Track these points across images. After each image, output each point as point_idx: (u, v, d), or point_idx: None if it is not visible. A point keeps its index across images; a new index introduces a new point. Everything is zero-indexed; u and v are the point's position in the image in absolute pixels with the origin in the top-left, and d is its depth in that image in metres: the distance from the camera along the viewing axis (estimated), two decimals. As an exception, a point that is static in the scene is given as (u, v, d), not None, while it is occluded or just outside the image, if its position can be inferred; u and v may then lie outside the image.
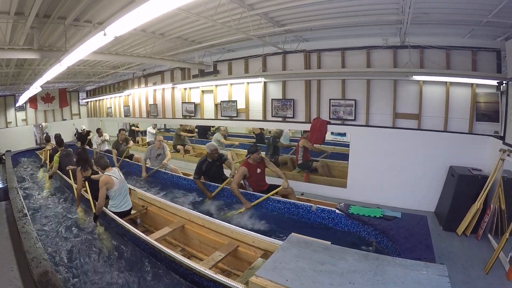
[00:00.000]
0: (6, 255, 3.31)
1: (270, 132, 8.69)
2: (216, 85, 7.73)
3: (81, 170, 4.49)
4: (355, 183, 5.54)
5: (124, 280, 2.89)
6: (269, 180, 4.81)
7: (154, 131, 10.29)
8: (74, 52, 4.30)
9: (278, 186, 4.35)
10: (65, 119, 14.87)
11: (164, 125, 12.58)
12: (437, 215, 4.67)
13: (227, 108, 7.48)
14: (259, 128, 8.47)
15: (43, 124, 13.90)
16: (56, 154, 6.30)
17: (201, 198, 4.90)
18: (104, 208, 3.89)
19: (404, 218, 3.34)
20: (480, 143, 4.57)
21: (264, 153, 6.35)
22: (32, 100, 12.97)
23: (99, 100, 14.07)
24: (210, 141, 7.20)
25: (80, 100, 15.55)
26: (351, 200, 4.90)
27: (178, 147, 8.91)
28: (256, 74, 6.71)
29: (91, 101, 15.14)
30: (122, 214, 3.89)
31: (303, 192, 4.76)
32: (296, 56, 6.35)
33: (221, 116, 7.67)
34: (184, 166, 7.55)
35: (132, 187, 4.72)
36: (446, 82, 4.91)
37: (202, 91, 8.15)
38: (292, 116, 6.41)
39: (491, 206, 3.83)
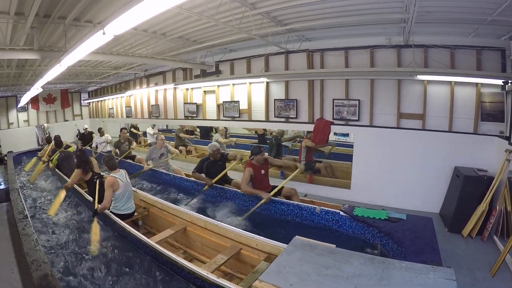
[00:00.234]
0: (7, 257, 3.27)
1: (271, 134, 8.63)
2: (218, 86, 7.71)
3: (82, 172, 4.48)
4: (359, 184, 5.48)
5: (124, 283, 2.86)
6: (272, 181, 4.74)
7: (153, 132, 10.24)
8: (73, 52, 4.27)
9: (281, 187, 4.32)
10: (67, 120, 14.85)
11: (167, 125, 12.55)
12: (442, 217, 4.61)
13: (229, 109, 7.45)
14: (263, 129, 8.43)
15: (45, 125, 13.87)
16: (55, 155, 6.30)
17: (203, 199, 4.85)
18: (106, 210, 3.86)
19: (409, 220, 3.30)
20: (485, 143, 4.51)
21: (267, 154, 6.30)
22: (34, 101, 13.02)
23: (101, 100, 14.07)
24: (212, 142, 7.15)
25: (82, 101, 15.51)
26: (355, 202, 4.86)
27: (180, 148, 8.86)
28: (258, 74, 6.68)
29: (93, 102, 15.14)
30: (123, 217, 3.86)
31: (306, 193, 4.71)
32: (298, 56, 6.31)
33: (223, 116, 7.64)
34: (186, 167, 7.48)
35: (134, 189, 4.67)
36: (450, 81, 4.88)
37: (204, 92, 8.12)
38: (295, 116, 6.37)
39: (497, 207, 3.78)
